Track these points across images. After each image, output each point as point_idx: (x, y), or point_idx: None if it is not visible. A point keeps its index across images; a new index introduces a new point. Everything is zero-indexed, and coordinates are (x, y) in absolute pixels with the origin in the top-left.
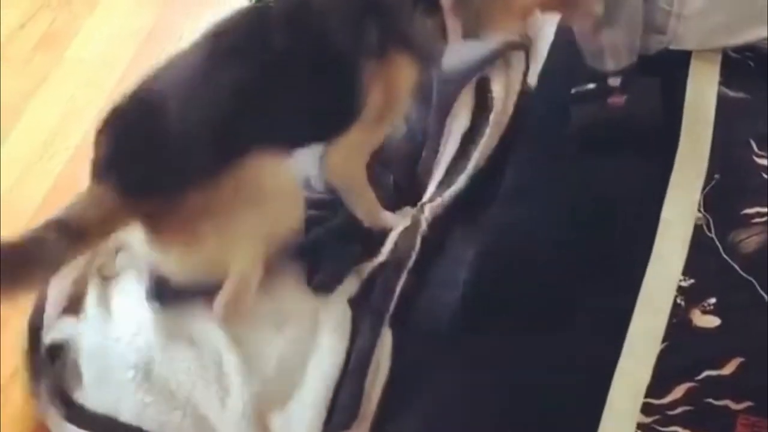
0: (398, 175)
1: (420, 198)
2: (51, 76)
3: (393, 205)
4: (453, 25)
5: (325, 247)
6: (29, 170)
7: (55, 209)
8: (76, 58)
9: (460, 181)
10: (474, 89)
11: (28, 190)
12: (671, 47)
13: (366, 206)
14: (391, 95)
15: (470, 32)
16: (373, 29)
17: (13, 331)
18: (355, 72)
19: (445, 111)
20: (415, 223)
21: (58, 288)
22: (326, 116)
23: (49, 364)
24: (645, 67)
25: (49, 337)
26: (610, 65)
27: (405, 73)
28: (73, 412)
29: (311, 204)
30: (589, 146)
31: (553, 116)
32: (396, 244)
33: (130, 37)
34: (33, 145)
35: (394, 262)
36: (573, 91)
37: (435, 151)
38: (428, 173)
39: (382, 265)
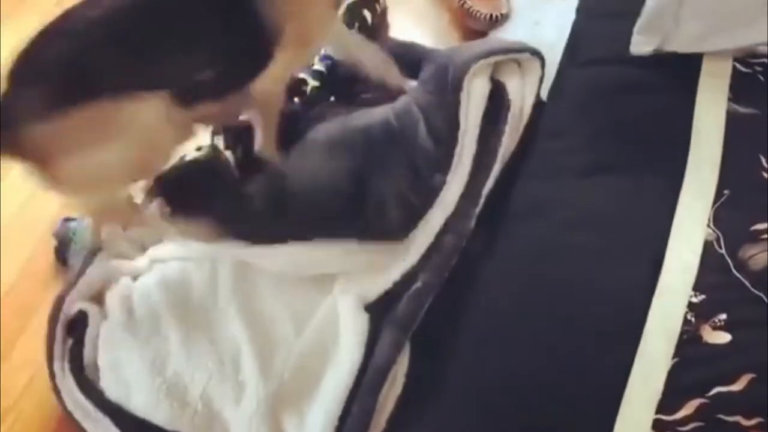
0: (414, 161)
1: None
2: None
3: (409, 191)
4: None
5: (387, 201)
6: None
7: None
8: None
9: (489, 182)
10: (489, 87)
11: (45, 200)
12: (667, 49)
13: (268, 133)
14: (308, 19)
15: None
16: None
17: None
18: (260, 7)
19: (457, 90)
20: (458, 231)
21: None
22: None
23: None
24: (653, 82)
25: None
26: None
27: None
28: (89, 388)
29: None
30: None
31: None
32: (434, 251)
33: None
34: None
35: (429, 280)
36: None
37: (453, 135)
38: (445, 158)
39: (411, 276)
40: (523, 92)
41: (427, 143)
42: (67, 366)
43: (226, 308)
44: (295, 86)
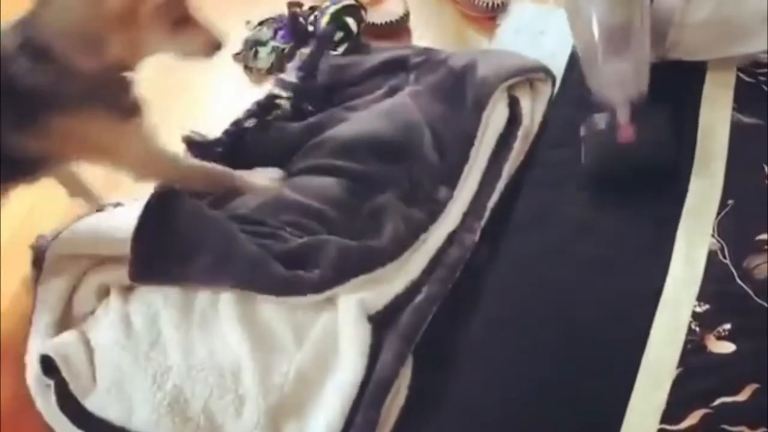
0: (416, 172)
1: (435, 194)
2: None
3: (409, 203)
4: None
5: (386, 212)
6: (49, 192)
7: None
8: None
9: (495, 196)
10: (507, 110)
11: (48, 211)
12: (671, 57)
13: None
14: (89, 143)
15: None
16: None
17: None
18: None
19: (481, 106)
20: (462, 244)
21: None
22: None
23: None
24: (658, 92)
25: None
26: (617, 96)
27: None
28: (85, 418)
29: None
30: (603, 184)
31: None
32: (438, 264)
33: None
34: None
35: (432, 292)
36: (582, 130)
37: (465, 151)
38: (452, 173)
39: (415, 288)
40: (533, 111)
41: (431, 155)
42: (54, 403)
43: (226, 318)
44: (269, 104)
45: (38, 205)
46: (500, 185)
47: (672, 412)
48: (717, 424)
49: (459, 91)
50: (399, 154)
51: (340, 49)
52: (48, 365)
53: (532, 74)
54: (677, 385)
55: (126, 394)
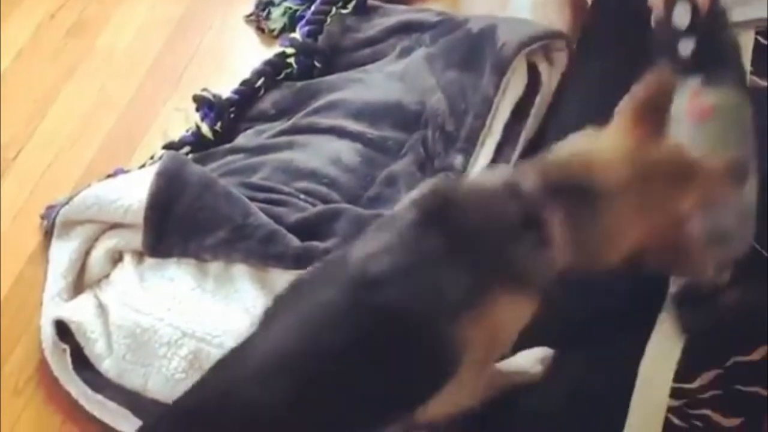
0: (431, 139)
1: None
2: (82, 65)
3: (424, 171)
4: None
5: (401, 180)
6: (61, 157)
7: None
8: (107, 47)
9: (511, 163)
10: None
11: (60, 176)
12: None
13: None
14: (494, 340)
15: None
16: (459, 281)
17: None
18: (439, 338)
19: (501, 72)
20: None
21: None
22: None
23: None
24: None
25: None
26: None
27: (512, 314)
28: (101, 382)
29: None
30: None
31: None
32: None
33: (160, 26)
34: (64, 132)
35: None
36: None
37: (482, 117)
38: (468, 140)
39: None
40: (551, 77)
41: (447, 122)
42: (70, 368)
43: (241, 283)
44: (279, 62)
45: (66, 152)
46: (516, 153)
47: (685, 373)
48: (730, 384)
49: (477, 56)
50: (414, 121)
51: (349, 7)
52: (62, 330)
53: (553, 40)
54: (690, 344)
55: (141, 360)
